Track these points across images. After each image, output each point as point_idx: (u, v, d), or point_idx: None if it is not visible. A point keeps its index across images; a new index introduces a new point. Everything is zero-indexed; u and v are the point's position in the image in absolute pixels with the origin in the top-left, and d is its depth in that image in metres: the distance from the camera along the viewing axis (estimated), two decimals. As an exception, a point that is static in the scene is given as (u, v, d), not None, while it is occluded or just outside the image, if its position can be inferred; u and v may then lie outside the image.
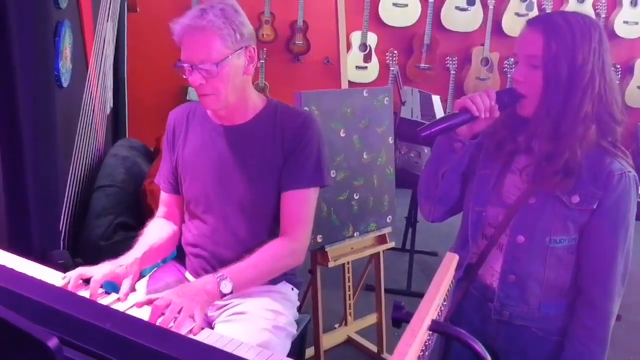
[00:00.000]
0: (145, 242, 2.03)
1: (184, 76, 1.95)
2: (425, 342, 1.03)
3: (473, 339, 1.03)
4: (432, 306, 1.02)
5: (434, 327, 1.02)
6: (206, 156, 2.09)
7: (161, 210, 2.25)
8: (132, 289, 1.84)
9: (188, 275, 2.19)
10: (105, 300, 1.74)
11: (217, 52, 1.90)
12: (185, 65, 1.93)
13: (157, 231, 2.13)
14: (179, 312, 1.63)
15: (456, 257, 1.19)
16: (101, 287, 1.79)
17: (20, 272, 1.37)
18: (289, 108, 2.12)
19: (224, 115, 2.07)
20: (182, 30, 1.92)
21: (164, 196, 2.25)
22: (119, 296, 1.77)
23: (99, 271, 1.79)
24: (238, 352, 1.49)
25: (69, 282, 1.77)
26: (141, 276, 2.10)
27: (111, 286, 1.81)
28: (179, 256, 2.27)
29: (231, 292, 1.82)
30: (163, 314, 1.63)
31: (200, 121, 2.14)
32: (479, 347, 1.03)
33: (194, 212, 2.14)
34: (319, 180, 2.07)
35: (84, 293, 1.74)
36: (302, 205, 2.05)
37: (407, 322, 1.01)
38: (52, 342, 0.89)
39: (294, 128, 2.04)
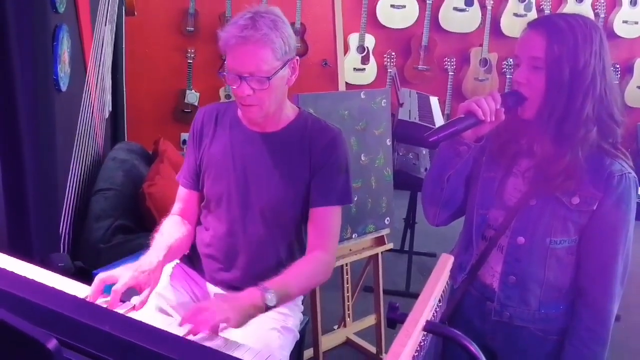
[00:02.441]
0: (164, 242, 2.00)
1: (231, 86, 1.94)
2: (420, 342, 1.04)
3: (468, 340, 1.04)
4: (427, 307, 1.03)
5: (429, 327, 1.03)
6: (232, 158, 2.08)
7: (177, 206, 2.23)
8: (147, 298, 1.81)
9: (208, 286, 2.19)
10: (120, 310, 1.70)
11: (268, 66, 1.89)
12: (232, 75, 1.92)
13: (173, 230, 2.11)
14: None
15: (451, 259, 1.20)
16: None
17: (20, 275, 1.37)
18: (320, 123, 2.12)
19: (258, 122, 2.06)
20: (233, 40, 1.87)
21: (181, 192, 2.22)
22: (134, 304, 1.74)
23: (121, 280, 1.75)
24: (236, 354, 1.50)
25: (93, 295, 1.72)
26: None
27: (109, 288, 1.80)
28: (188, 257, 2.26)
29: (275, 306, 1.79)
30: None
31: (229, 122, 2.13)
32: (474, 348, 1.04)
33: (213, 212, 2.14)
34: (344, 199, 2.10)
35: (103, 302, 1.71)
36: (332, 221, 2.07)
37: (402, 322, 1.02)
38: (51, 344, 0.90)
39: (323, 144, 2.05)
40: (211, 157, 2.12)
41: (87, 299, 1.69)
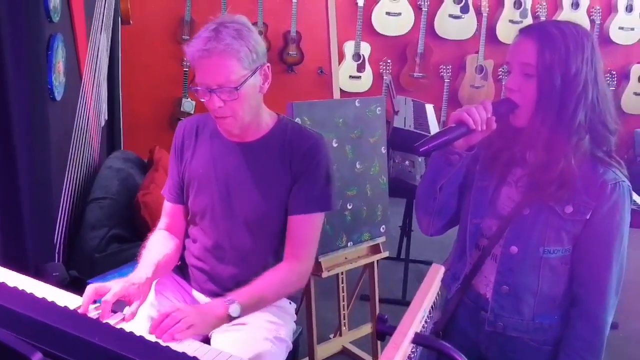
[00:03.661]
0: (152, 259, 2.01)
1: (201, 99, 1.93)
2: (409, 355, 1.03)
3: (456, 352, 1.03)
4: (416, 319, 1.03)
5: (418, 340, 1.02)
6: (214, 171, 2.08)
7: (163, 221, 2.22)
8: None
9: (195, 293, 2.19)
10: (111, 320, 1.72)
11: (236, 75, 1.88)
12: (202, 89, 1.91)
13: (161, 246, 2.12)
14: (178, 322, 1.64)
15: (442, 269, 1.20)
16: (95, 302, 1.78)
17: (7, 285, 1.37)
18: (300, 130, 2.11)
19: (236, 133, 2.05)
20: (197, 54, 1.87)
21: (167, 206, 2.22)
22: (124, 315, 1.76)
23: (111, 290, 1.77)
24: (228, 365, 1.49)
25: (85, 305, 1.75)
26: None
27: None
28: (179, 268, 2.26)
29: (239, 316, 1.82)
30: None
31: (209, 134, 2.12)
32: (463, 360, 1.03)
33: (198, 226, 2.14)
34: (325, 206, 2.08)
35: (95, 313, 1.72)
36: (308, 229, 2.06)
37: (391, 334, 1.02)
38: (36, 357, 0.90)
39: (303, 151, 2.04)
40: (193, 170, 2.12)
41: (79, 309, 1.70)
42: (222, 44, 1.85)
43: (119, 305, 1.79)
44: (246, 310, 1.85)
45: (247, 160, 2.06)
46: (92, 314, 1.71)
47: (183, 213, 2.20)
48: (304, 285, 2.10)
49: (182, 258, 2.22)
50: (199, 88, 1.91)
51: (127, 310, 1.77)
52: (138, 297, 1.83)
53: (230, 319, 1.80)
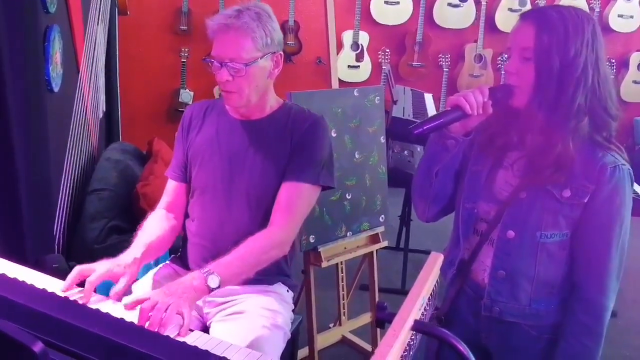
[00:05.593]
0: (144, 240, 2.03)
1: (212, 71, 2.03)
2: (409, 342, 1.03)
3: (456, 339, 1.03)
4: (415, 306, 1.03)
5: (417, 327, 1.03)
6: (218, 147, 2.14)
7: (164, 200, 2.25)
8: (128, 290, 1.83)
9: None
10: (94, 299, 1.73)
11: (247, 53, 1.99)
12: (215, 61, 2.01)
13: (156, 226, 2.13)
14: (166, 311, 1.62)
15: (441, 257, 1.20)
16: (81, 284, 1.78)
17: (7, 276, 1.37)
18: (303, 111, 2.18)
19: (242, 112, 2.14)
20: (217, 27, 1.99)
21: (170, 185, 2.26)
22: (110, 295, 1.76)
23: (96, 271, 1.78)
24: (227, 354, 1.49)
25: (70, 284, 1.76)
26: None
27: (105, 287, 1.80)
28: (177, 256, 2.28)
29: (219, 287, 1.80)
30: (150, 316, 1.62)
31: (216, 115, 2.21)
32: (462, 347, 1.03)
33: (199, 200, 2.17)
34: (315, 178, 2.09)
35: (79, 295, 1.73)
36: (295, 197, 2.07)
37: (391, 322, 1.02)
38: (37, 347, 0.90)
39: (304, 128, 2.11)
40: (198, 146, 2.17)
41: (62, 289, 1.73)
42: (241, 22, 1.97)
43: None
44: (225, 280, 1.83)
45: (250, 138, 2.13)
46: (76, 296, 1.71)
47: (185, 191, 2.24)
48: (285, 253, 2.09)
49: (181, 246, 2.23)
50: (213, 61, 2.01)
51: (113, 290, 1.78)
52: (124, 275, 1.83)
53: (209, 290, 1.79)
